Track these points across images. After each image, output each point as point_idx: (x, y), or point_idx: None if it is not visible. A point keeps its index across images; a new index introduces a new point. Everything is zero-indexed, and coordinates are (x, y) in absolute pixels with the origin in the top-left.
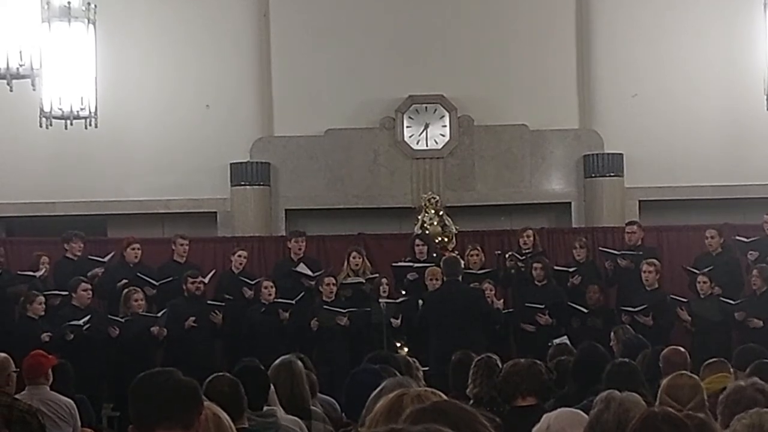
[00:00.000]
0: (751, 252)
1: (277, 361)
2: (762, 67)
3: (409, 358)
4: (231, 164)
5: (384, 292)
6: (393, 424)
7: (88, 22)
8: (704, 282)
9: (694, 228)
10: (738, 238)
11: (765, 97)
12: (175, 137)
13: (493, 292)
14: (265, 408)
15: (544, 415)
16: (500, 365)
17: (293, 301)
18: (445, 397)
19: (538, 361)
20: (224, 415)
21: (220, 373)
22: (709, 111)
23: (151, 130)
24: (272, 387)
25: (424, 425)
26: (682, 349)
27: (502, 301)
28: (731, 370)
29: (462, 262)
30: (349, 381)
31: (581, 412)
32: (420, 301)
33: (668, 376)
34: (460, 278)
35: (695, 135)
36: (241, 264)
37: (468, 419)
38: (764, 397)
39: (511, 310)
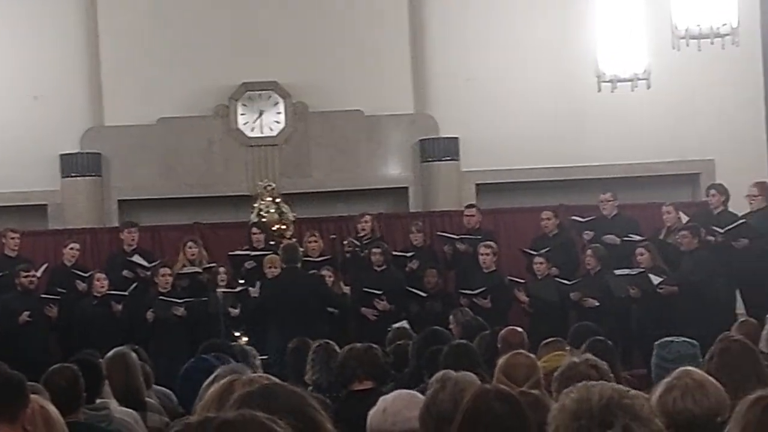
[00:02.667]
0: (586, 232)
1: (111, 353)
2: (593, 49)
3: (246, 347)
4: (61, 155)
5: (222, 281)
6: (223, 409)
7: None
8: (541, 263)
9: (530, 210)
10: (574, 217)
11: (596, 78)
12: (1, 129)
13: (332, 278)
14: (97, 401)
15: (381, 398)
16: (339, 351)
17: (127, 293)
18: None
19: (375, 345)
20: (52, 408)
21: (64, 365)
22: (542, 93)
23: None
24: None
25: (239, 411)
26: (520, 330)
27: (349, 288)
28: (567, 348)
29: (300, 249)
30: (183, 371)
31: (418, 394)
32: (251, 289)
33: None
34: (299, 265)
35: (529, 117)
36: (73, 257)
37: (297, 401)
38: (598, 372)
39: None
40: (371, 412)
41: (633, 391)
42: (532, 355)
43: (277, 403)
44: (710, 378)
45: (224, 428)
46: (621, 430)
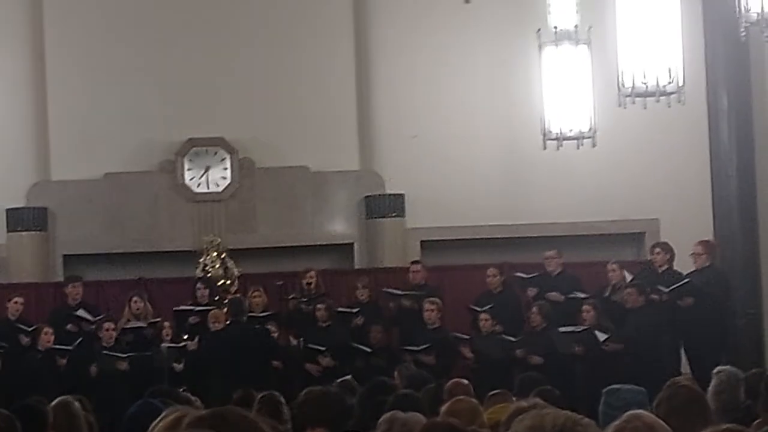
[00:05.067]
0: (530, 288)
1: (55, 402)
2: (538, 108)
3: (191, 396)
4: (7, 210)
5: (167, 335)
6: None
7: None
8: (486, 320)
9: (475, 267)
10: (518, 274)
11: (542, 137)
12: None
13: (277, 334)
14: None
15: None
16: (283, 402)
17: (71, 347)
18: None
19: (333, 389)
20: None
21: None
22: (487, 151)
23: None
24: None
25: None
26: (466, 381)
27: (298, 341)
28: (514, 399)
29: (246, 303)
30: (129, 414)
31: None
32: (189, 343)
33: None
34: (245, 319)
35: (475, 175)
36: (17, 311)
37: (248, 425)
38: None
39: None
40: None
41: (586, 419)
42: (474, 401)
43: (229, 426)
44: (660, 421)
45: None
46: None
